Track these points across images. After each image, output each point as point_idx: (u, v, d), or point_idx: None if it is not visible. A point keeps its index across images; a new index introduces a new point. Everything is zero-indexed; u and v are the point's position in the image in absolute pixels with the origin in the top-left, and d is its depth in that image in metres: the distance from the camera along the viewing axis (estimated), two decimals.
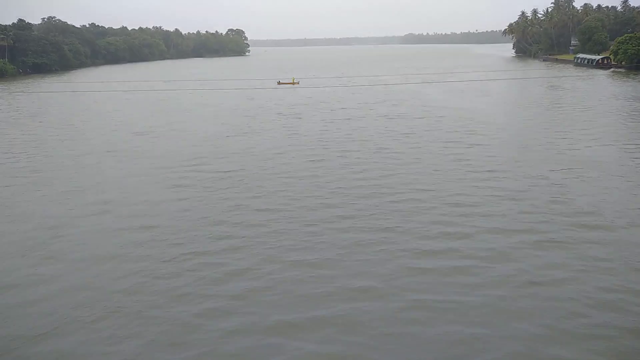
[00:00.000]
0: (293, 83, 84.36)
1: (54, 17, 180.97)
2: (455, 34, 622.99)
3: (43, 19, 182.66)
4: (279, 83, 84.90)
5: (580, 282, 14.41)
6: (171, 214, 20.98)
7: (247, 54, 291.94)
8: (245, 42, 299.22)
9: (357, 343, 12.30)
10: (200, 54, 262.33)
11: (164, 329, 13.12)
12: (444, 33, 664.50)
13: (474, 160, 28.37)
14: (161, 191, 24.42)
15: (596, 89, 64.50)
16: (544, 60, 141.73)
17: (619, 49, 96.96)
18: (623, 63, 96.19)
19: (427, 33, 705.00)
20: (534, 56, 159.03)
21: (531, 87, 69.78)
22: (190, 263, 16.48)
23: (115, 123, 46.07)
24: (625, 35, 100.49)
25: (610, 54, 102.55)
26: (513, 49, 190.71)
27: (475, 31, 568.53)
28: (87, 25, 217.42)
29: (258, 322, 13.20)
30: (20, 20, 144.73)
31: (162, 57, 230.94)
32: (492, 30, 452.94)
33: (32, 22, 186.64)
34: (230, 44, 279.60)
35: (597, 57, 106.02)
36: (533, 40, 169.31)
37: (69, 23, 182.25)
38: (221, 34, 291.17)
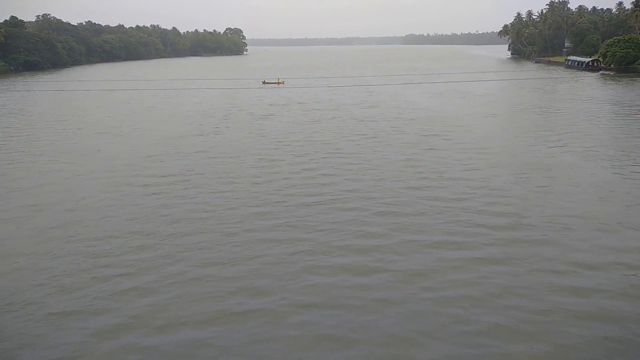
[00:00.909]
0: (278, 83, 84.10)
1: (49, 14, 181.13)
2: (456, 34, 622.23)
3: (38, 16, 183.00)
4: (264, 83, 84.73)
5: (482, 300, 13.89)
6: (97, 221, 20.47)
7: (244, 53, 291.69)
8: (243, 41, 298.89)
9: None
10: (198, 53, 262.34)
11: (46, 345, 12.63)
12: (444, 34, 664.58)
13: (422, 166, 27.86)
14: (98, 194, 23.96)
15: (576, 92, 63.81)
16: (535, 62, 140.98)
17: (607, 51, 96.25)
18: (612, 65, 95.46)
19: (428, 34, 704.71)
20: (528, 58, 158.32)
21: (511, 89, 69.12)
22: (93, 275, 15.93)
23: (82, 122, 45.66)
24: (614, 37, 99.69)
25: (599, 57, 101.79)
26: (508, 50, 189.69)
27: (476, 32, 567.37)
28: (84, 23, 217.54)
29: (139, 344, 12.68)
30: (12, 17, 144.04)
31: (158, 55, 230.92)
32: (493, 32, 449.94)
33: (28, 20, 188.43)
34: (227, 43, 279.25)
35: (587, 60, 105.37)
36: (528, 41, 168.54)
37: (65, 21, 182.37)
38: (219, 32, 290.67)
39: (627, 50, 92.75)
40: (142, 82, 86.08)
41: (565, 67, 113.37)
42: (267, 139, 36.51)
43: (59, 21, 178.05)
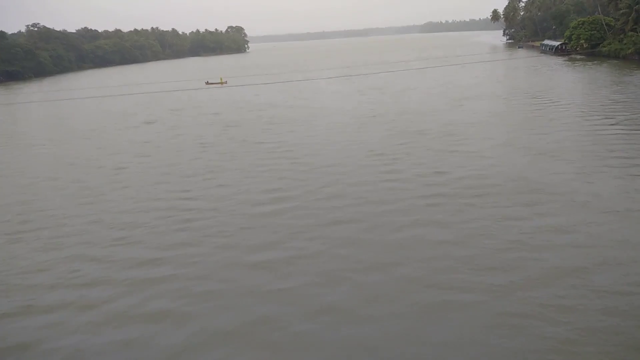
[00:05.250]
0: (221, 83, 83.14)
1: (38, 23, 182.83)
2: (474, 20, 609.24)
3: (28, 26, 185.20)
4: (207, 83, 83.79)
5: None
6: None
7: (247, 50, 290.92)
8: (245, 38, 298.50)
9: None
10: (197, 53, 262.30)
11: None
12: (463, 20, 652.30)
13: (215, 172, 26.25)
14: None
15: (504, 80, 60.81)
16: (519, 47, 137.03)
17: (572, 34, 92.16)
18: (577, 49, 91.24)
19: (447, 21, 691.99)
20: (518, 43, 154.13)
21: (441, 81, 66.13)
22: None
23: None
24: (579, 19, 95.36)
25: (565, 40, 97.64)
26: (503, 35, 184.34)
27: None
28: (80, 29, 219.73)
29: None
30: None
31: (156, 57, 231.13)
32: None
33: (18, 30, 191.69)
34: (227, 42, 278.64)
35: (556, 43, 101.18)
36: (520, 26, 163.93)
37: (59, 29, 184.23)
38: (221, 31, 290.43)
39: (592, 32, 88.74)
40: (85, 90, 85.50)
41: (540, 52, 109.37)
42: (112, 148, 35.59)
43: (48, 30, 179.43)
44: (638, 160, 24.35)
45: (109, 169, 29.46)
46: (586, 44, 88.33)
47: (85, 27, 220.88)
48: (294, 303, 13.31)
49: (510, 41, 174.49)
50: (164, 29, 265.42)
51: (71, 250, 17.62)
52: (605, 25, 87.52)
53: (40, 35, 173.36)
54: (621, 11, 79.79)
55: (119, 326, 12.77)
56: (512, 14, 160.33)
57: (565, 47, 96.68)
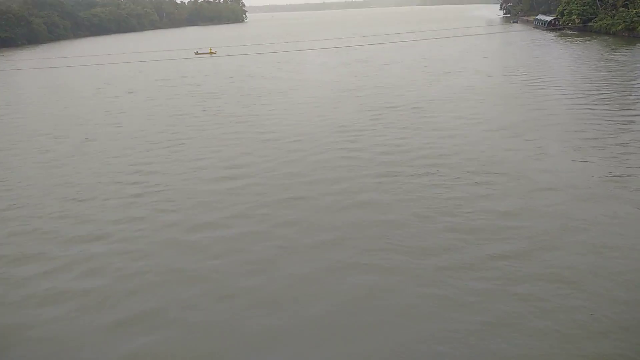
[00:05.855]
0: (210, 53, 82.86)
1: None
2: None
3: None
4: (196, 53, 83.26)
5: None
6: None
7: (245, 20, 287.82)
8: (244, 8, 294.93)
9: None
10: (195, 22, 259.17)
11: None
12: None
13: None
14: None
15: (466, 55, 60.35)
16: (513, 22, 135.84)
17: (564, 9, 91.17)
18: (569, 24, 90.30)
19: None
20: (514, 17, 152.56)
21: (428, 51, 65.76)
22: None
23: None
24: None
25: (557, 15, 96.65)
26: (500, 10, 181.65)
27: None
28: None
29: None
30: None
31: (153, 26, 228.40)
32: None
33: None
34: (225, 12, 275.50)
35: (549, 19, 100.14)
36: (517, 0, 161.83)
37: None
38: (219, 1, 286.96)
39: (584, 7, 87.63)
40: (76, 59, 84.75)
41: (533, 27, 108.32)
42: (75, 117, 35.64)
43: None
44: (601, 142, 24.21)
45: (77, 140, 29.46)
46: (578, 19, 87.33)
47: None
48: (215, 285, 13.33)
49: (507, 15, 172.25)
50: None
51: (17, 222, 17.73)
52: (597, 1, 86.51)
53: (35, 2, 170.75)
54: None
55: (48, 303, 12.91)
56: None
57: (558, 22, 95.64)
